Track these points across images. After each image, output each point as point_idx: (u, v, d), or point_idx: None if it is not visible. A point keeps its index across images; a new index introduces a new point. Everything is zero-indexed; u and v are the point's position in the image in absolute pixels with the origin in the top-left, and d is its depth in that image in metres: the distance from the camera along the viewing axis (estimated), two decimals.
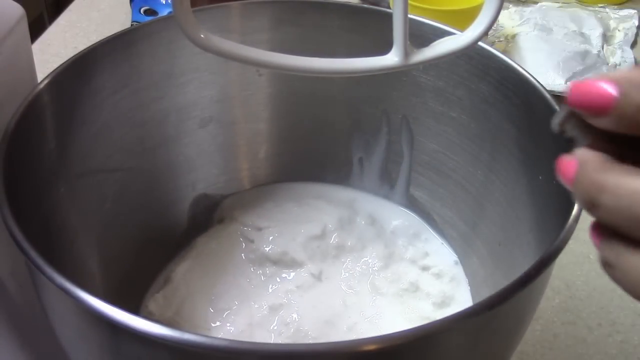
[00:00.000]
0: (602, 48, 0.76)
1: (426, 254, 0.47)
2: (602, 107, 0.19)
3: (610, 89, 0.19)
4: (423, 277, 0.46)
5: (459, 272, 0.46)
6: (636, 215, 0.18)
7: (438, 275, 0.46)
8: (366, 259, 0.47)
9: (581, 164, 0.20)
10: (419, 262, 0.47)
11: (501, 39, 0.79)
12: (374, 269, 0.47)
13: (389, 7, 0.51)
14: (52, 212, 0.38)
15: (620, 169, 0.19)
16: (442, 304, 0.44)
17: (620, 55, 0.75)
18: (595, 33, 0.78)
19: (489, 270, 0.44)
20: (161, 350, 0.26)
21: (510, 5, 0.85)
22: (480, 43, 0.32)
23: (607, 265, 0.20)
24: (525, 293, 0.28)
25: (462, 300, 0.45)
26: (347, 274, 0.47)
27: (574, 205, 0.30)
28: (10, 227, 0.29)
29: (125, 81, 0.43)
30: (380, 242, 0.48)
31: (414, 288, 0.45)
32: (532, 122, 0.39)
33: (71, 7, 0.88)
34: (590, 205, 0.20)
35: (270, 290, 0.45)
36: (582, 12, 0.83)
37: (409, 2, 0.30)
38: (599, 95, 0.19)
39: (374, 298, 0.45)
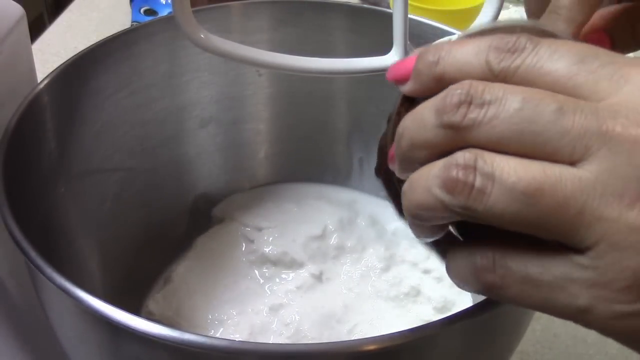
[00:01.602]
0: None
1: (428, 257, 0.47)
2: (406, 73, 0.24)
3: (412, 61, 0.24)
4: (424, 281, 0.46)
5: None
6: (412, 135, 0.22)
7: (439, 279, 0.46)
8: (367, 260, 0.47)
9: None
10: (420, 265, 0.47)
11: None
12: (374, 271, 0.47)
13: (389, 7, 0.51)
14: (52, 212, 0.38)
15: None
16: (443, 308, 0.44)
17: None
18: None
19: None
20: (161, 350, 0.26)
21: (510, 5, 0.85)
22: None
23: (402, 195, 0.23)
24: None
25: (463, 305, 0.44)
26: (347, 276, 0.46)
27: None
28: (10, 227, 0.29)
29: (125, 81, 0.43)
30: (381, 243, 0.48)
31: (415, 292, 0.45)
32: None
33: (71, 7, 0.88)
34: (399, 139, 0.23)
35: (270, 291, 0.45)
36: None
37: (409, 2, 0.30)
38: (404, 66, 0.24)
39: (375, 301, 0.45)
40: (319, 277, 0.46)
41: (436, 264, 0.47)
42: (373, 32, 0.43)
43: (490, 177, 0.20)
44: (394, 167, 0.25)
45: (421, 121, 0.22)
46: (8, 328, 0.39)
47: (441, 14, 0.66)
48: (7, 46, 0.37)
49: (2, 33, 0.36)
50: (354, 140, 0.51)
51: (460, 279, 0.23)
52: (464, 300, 0.45)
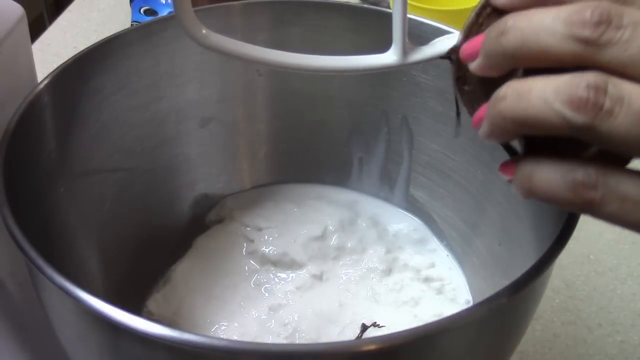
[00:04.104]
0: None
1: (432, 265, 0.47)
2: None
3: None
4: (425, 293, 0.45)
5: (461, 283, 0.46)
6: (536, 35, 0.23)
7: (439, 291, 0.46)
8: (367, 261, 0.47)
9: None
10: (423, 272, 0.46)
11: None
12: (375, 273, 0.46)
13: (389, 7, 0.51)
14: (52, 212, 0.38)
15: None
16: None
17: None
18: None
19: (489, 270, 0.44)
20: (161, 350, 0.26)
21: None
22: None
23: (501, 99, 0.24)
24: (525, 293, 0.28)
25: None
26: (347, 277, 0.46)
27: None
28: (10, 227, 0.29)
29: (125, 81, 0.43)
30: (381, 244, 0.48)
31: (414, 303, 0.45)
32: None
33: (71, 7, 0.88)
34: (500, 34, 0.24)
35: (269, 291, 0.45)
36: None
37: (409, 2, 0.30)
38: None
39: (370, 303, 0.45)
40: (319, 278, 0.46)
41: (439, 274, 0.46)
42: (373, 32, 0.43)
43: (619, 100, 0.21)
44: (470, 60, 0.26)
45: (543, 26, 0.22)
46: (8, 328, 0.39)
47: (441, 14, 0.66)
48: (7, 46, 0.37)
49: (2, 33, 0.36)
50: (354, 140, 0.51)
51: (547, 191, 0.23)
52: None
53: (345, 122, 0.51)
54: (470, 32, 0.27)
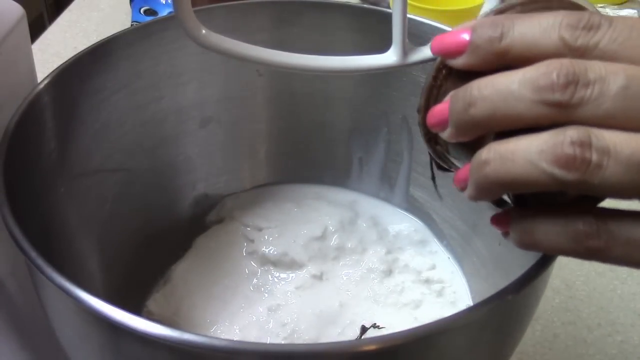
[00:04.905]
0: None
1: (433, 267, 0.47)
2: (459, 47, 0.24)
3: (465, 35, 0.24)
4: (427, 296, 0.45)
5: (462, 286, 0.46)
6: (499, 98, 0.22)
7: (439, 294, 0.46)
8: (367, 262, 0.47)
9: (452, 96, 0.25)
10: (423, 274, 0.46)
11: None
12: (375, 273, 0.46)
13: (389, 7, 0.51)
14: (52, 212, 0.38)
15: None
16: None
17: None
18: None
19: (489, 270, 0.44)
20: (161, 350, 0.26)
21: None
22: None
23: (484, 164, 0.23)
24: (525, 293, 0.28)
25: None
26: (347, 277, 0.46)
27: None
28: (10, 227, 0.29)
29: (125, 81, 0.43)
30: (382, 245, 0.48)
31: (415, 305, 0.45)
32: None
33: (71, 7, 0.88)
34: (468, 105, 0.23)
35: (269, 291, 0.45)
36: None
37: (409, 2, 0.30)
38: (455, 39, 0.24)
39: (370, 304, 0.45)
40: (319, 278, 0.46)
41: (440, 276, 0.46)
42: (373, 32, 0.43)
43: (605, 151, 0.21)
44: (438, 130, 0.25)
45: (509, 94, 0.22)
46: (8, 328, 0.39)
47: (441, 14, 0.66)
48: (7, 46, 0.37)
49: (2, 33, 0.36)
50: (354, 140, 0.51)
51: (551, 245, 0.23)
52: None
53: (345, 122, 0.51)
54: (430, 94, 0.26)
